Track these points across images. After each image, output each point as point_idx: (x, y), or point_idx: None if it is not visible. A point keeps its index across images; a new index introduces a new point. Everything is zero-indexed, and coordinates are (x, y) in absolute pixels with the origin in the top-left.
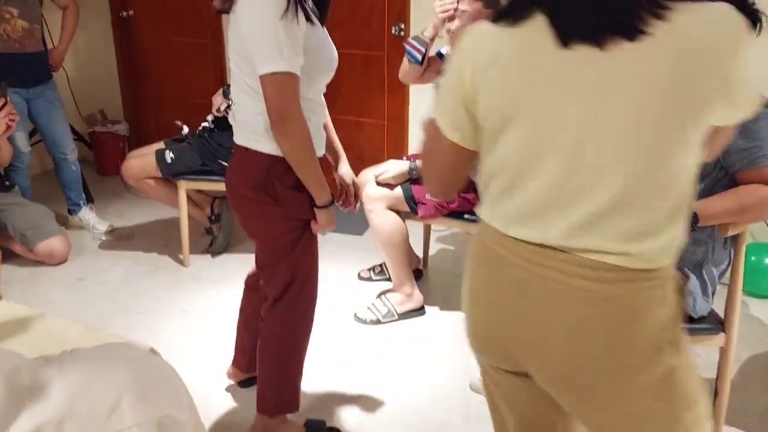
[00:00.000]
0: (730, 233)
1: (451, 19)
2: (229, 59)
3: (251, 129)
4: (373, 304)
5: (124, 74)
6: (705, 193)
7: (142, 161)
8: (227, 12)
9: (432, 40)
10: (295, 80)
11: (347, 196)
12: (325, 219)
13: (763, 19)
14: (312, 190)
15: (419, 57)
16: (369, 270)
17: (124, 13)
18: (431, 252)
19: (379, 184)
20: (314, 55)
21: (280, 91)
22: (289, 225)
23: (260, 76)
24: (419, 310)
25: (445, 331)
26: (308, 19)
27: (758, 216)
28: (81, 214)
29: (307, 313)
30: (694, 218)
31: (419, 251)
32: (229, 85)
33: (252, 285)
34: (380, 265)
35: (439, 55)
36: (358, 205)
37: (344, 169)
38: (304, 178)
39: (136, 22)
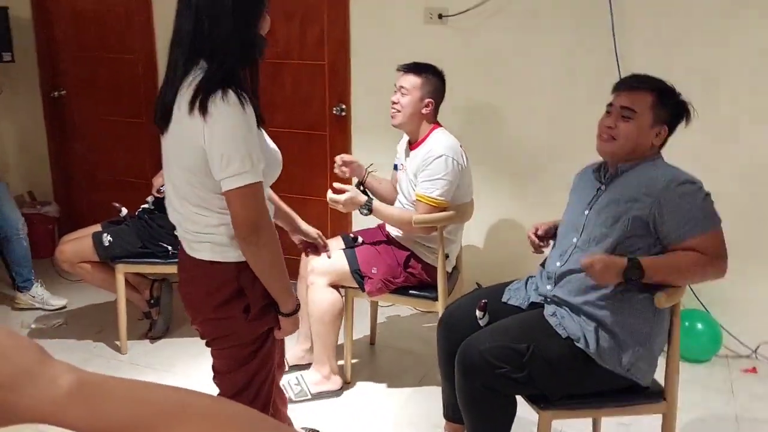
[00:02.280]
0: (666, 305)
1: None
2: (171, 175)
3: (213, 242)
4: (288, 381)
5: (56, 154)
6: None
7: (77, 245)
8: (162, 132)
9: (362, 183)
10: (262, 187)
11: (317, 248)
12: (290, 326)
13: (690, 108)
14: (279, 297)
15: (365, 211)
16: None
17: (56, 93)
18: (378, 328)
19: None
20: (267, 155)
21: (253, 203)
22: (255, 335)
23: (227, 191)
24: (336, 392)
25: (392, 410)
26: (259, 125)
27: (694, 278)
28: (33, 291)
29: (264, 410)
30: (641, 272)
31: (366, 327)
32: None
33: None
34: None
35: (395, 168)
36: (330, 252)
37: (303, 226)
38: (271, 286)
39: (69, 102)
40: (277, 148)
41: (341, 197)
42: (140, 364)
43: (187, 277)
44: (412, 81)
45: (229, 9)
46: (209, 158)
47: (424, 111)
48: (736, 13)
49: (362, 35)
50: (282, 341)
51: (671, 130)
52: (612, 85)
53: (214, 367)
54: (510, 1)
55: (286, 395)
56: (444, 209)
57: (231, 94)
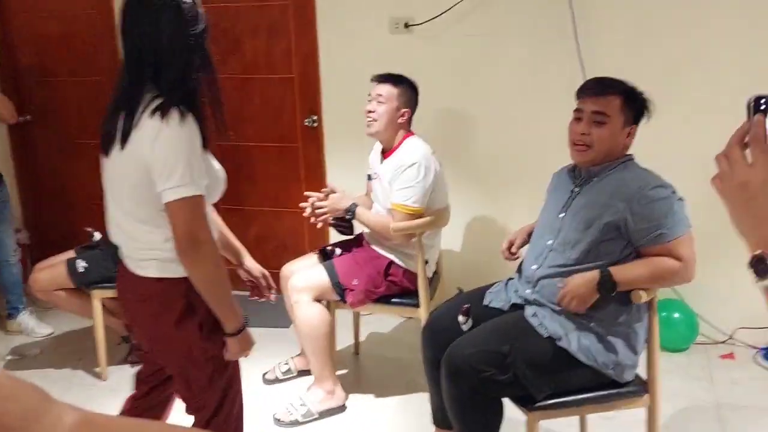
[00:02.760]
0: (644, 300)
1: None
2: (116, 194)
3: (160, 258)
4: (291, 403)
5: (23, 181)
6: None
7: (51, 272)
8: (107, 153)
9: (348, 210)
10: (204, 201)
11: (259, 289)
12: (236, 347)
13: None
14: (222, 316)
15: (349, 233)
16: (275, 368)
17: (21, 118)
18: (362, 337)
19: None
20: (210, 173)
21: (192, 215)
22: (210, 354)
23: (169, 202)
24: (340, 408)
25: (381, 421)
26: (205, 146)
27: (664, 283)
28: (20, 318)
29: (238, 430)
30: (613, 283)
31: (350, 337)
32: None
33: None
34: (286, 362)
35: (369, 178)
36: (273, 295)
37: (248, 262)
38: (214, 304)
39: (35, 127)
40: (221, 167)
41: (326, 202)
42: (121, 390)
43: (134, 298)
44: (389, 90)
45: (164, 31)
46: (152, 171)
47: (399, 120)
48: (696, 7)
49: (330, 46)
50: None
51: (637, 127)
52: (577, 88)
53: (181, 397)
54: (474, 9)
55: (292, 417)
56: (420, 216)
57: (174, 111)
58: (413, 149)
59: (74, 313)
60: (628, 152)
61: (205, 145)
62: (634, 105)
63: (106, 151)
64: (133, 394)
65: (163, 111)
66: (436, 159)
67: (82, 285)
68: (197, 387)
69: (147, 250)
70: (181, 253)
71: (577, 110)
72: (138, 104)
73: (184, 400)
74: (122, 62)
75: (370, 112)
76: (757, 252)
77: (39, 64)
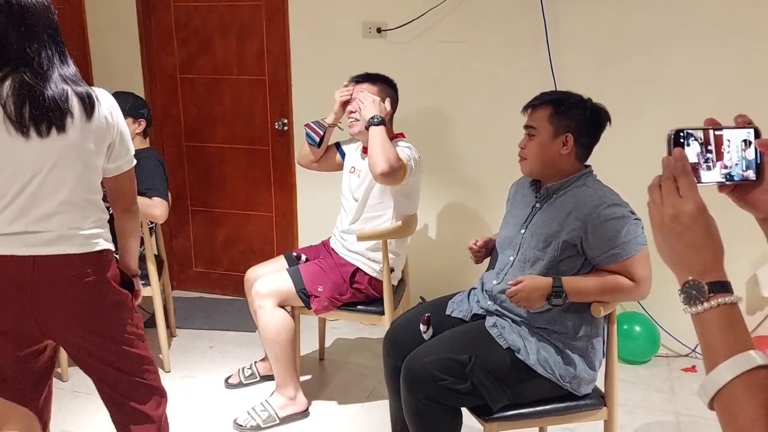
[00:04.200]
0: (603, 314)
1: (347, 103)
2: (60, 177)
3: (102, 234)
4: (253, 408)
5: None
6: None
7: None
8: (63, 129)
9: (332, 126)
10: None
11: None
12: (139, 285)
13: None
14: (135, 258)
15: (317, 139)
16: (238, 373)
17: None
18: (327, 342)
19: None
20: None
21: (134, 181)
22: (138, 318)
23: (124, 173)
24: (303, 413)
25: (343, 427)
26: None
27: (615, 299)
28: None
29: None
30: (564, 298)
31: (315, 342)
32: None
33: None
34: (250, 366)
35: (337, 147)
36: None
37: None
38: (133, 248)
39: None
40: None
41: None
42: (82, 392)
43: (76, 276)
44: (369, 89)
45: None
46: (117, 147)
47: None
48: (666, 23)
49: (302, 49)
50: None
51: (586, 136)
52: None
53: (131, 372)
54: (446, 16)
55: (254, 422)
56: (404, 170)
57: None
58: (404, 145)
59: None
60: (586, 164)
61: None
62: (566, 112)
63: (45, 129)
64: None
65: (98, 89)
66: (420, 162)
67: None
68: (144, 353)
69: (93, 227)
70: (126, 210)
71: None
72: (60, 84)
73: (133, 375)
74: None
75: (351, 112)
76: (690, 278)
77: None
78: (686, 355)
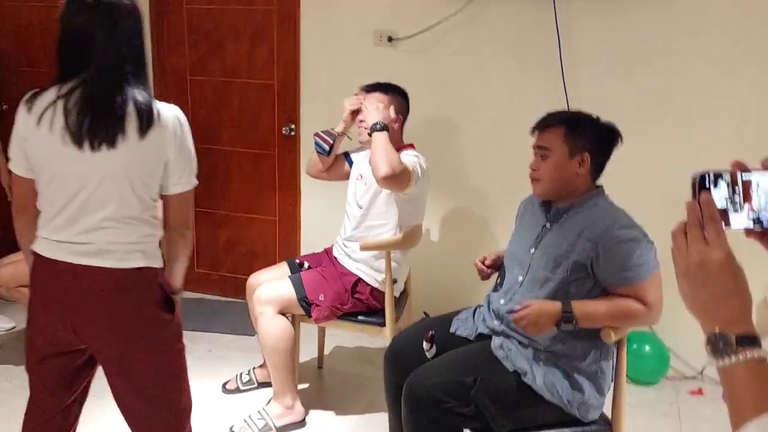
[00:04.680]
0: (614, 339)
1: (357, 112)
2: (108, 192)
3: (144, 251)
4: (249, 416)
5: None
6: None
7: (14, 268)
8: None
9: (341, 134)
10: None
11: None
12: (179, 307)
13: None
14: (177, 279)
15: (326, 147)
16: (236, 379)
17: None
18: (326, 350)
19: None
20: None
21: (191, 204)
22: (180, 339)
23: (177, 194)
24: (300, 423)
25: None
26: None
27: (626, 324)
28: None
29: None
30: (574, 324)
31: (314, 349)
32: None
33: None
34: (248, 372)
35: (346, 156)
36: None
37: None
38: (178, 270)
39: (10, 117)
40: None
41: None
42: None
43: (112, 290)
44: (380, 98)
45: (141, 33)
46: (172, 167)
47: (393, 126)
48: (678, 39)
49: (312, 55)
50: None
51: (600, 155)
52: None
53: (150, 398)
54: (458, 28)
55: (250, 431)
56: (409, 176)
57: (176, 108)
58: (412, 153)
59: None
60: (598, 183)
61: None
62: (581, 132)
63: (97, 143)
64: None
65: (173, 108)
66: (428, 172)
67: None
68: (168, 382)
69: (135, 243)
70: (173, 230)
71: (533, 146)
72: (126, 100)
73: (149, 404)
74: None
75: (362, 121)
76: (716, 330)
77: (20, 53)
78: (694, 378)
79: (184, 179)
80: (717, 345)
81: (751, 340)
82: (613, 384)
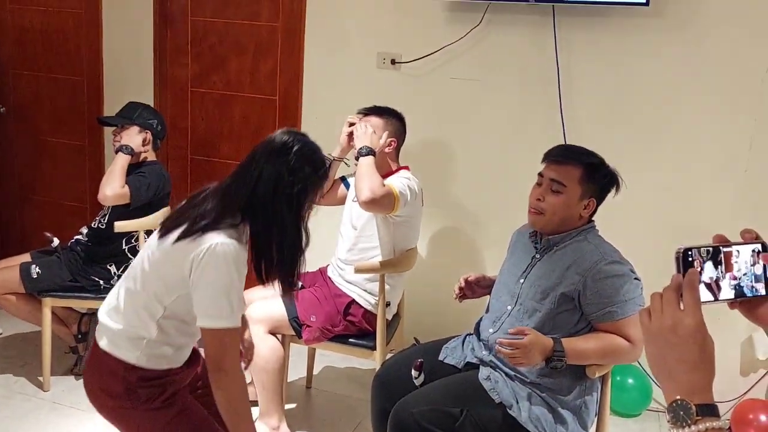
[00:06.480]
0: (598, 375)
1: (351, 137)
2: (143, 275)
3: (145, 352)
4: None
5: None
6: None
7: (3, 275)
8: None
9: (338, 159)
10: (236, 333)
11: (242, 355)
12: None
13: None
14: None
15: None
16: None
17: None
18: (315, 370)
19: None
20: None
21: (221, 344)
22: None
23: (204, 328)
24: None
25: None
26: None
27: (613, 362)
28: None
29: None
30: (563, 354)
31: (303, 369)
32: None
33: None
34: None
35: (342, 180)
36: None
37: (246, 334)
38: (231, 428)
39: (7, 121)
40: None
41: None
42: (63, 404)
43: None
44: (375, 122)
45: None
46: (198, 294)
47: (387, 150)
48: (677, 78)
49: (315, 73)
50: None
51: (600, 201)
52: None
53: None
54: (461, 54)
55: None
56: (394, 199)
57: (231, 244)
58: (403, 176)
59: (23, 318)
60: (591, 220)
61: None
62: (596, 179)
63: (165, 232)
64: None
65: (223, 239)
66: (421, 194)
67: (33, 291)
68: None
69: (134, 338)
70: (209, 372)
71: (539, 174)
72: (219, 219)
73: None
74: (225, 188)
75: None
76: (678, 398)
77: (20, 56)
78: None
79: (211, 314)
80: (677, 413)
81: (710, 410)
82: (596, 418)
